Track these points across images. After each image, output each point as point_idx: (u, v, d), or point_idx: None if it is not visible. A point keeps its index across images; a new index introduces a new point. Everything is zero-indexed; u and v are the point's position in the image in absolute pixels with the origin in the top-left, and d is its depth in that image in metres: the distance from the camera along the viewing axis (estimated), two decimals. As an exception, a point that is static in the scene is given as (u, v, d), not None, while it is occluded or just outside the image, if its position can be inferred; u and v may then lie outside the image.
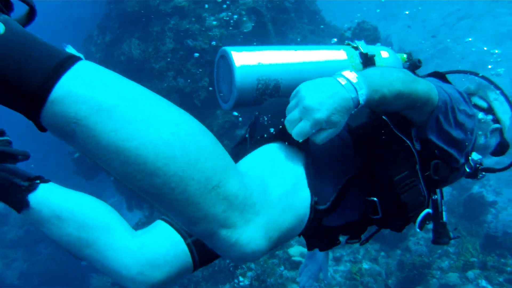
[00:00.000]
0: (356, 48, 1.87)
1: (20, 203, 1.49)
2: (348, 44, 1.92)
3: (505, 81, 14.07)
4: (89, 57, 10.58)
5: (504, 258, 7.12)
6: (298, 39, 10.70)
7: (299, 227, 1.44)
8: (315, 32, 11.40)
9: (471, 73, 2.22)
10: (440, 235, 1.93)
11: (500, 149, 2.13)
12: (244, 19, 9.02)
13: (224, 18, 8.98)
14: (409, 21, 19.15)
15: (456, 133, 1.66)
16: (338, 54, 1.80)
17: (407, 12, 19.52)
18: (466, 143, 1.73)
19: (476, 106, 2.04)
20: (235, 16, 8.92)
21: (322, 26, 12.61)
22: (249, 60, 1.57)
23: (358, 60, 1.82)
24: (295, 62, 1.68)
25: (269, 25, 9.50)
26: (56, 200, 1.54)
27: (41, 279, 12.14)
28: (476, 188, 11.17)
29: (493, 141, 2.08)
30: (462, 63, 15.38)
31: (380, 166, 1.63)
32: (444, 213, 1.91)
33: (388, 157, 1.63)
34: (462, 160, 1.78)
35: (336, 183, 1.56)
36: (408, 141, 1.65)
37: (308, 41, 10.64)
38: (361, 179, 1.64)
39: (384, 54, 1.95)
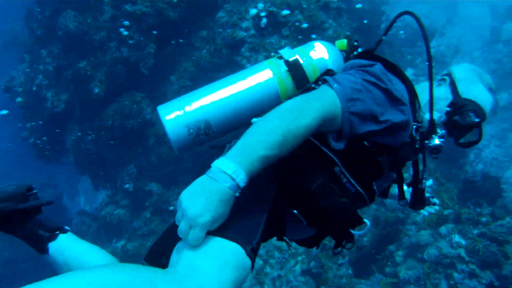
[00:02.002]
0: (281, 58, 1.86)
1: (41, 250, 1.86)
2: (274, 56, 1.92)
3: (484, 10, 13.29)
4: (31, 34, 9.87)
5: (479, 207, 6.73)
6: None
7: (245, 274, 1.44)
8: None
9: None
10: (417, 201, 2.07)
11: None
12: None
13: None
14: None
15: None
16: (263, 75, 1.82)
17: None
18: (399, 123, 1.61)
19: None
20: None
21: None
22: (175, 111, 1.72)
23: (283, 69, 1.82)
24: (219, 99, 1.77)
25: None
26: (69, 250, 1.90)
27: (26, 264, 11.93)
28: (457, 127, 10.68)
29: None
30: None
31: (295, 179, 1.65)
32: (424, 180, 1.97)
33: (303, 168, 1.65)
34: (403, 139, 1.70)
35: (260, 213, 1.58)
36: (323, 147, 1.63)
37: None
38: (284, 195, 1.68)
39: (317, 53, 1.90)
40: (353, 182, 1.66)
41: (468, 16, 13.38)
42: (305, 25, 7.23)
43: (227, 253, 1.39)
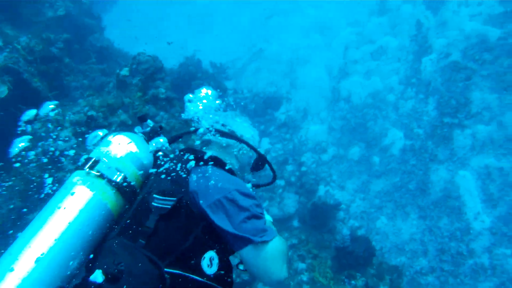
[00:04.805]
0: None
1: None
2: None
3: (321, 71, 14.04)
4: None
5: (354, 279, 6.42)
6: (86, 83, 9.16)
7: None
8: (106, 72, 9.91)
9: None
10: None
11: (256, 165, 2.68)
12: (-4, 83, 7.21)
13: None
14: (223, 28, 18.63)
15: None
16: (82, 196, 1.89)
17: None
18: None
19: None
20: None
21: (118, 60, 11.24)
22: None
23: (110, 191, 1.98)
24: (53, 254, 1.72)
25: (36, 81, 7.80)
26: None
27: None
28: (321, 189, 10.67)
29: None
30: (279, 62, 15.13)
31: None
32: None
33: None
34: None
35: None
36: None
37: (98, 83, 9.14)
38: None
39: (127, 152, 2.11)
40: None
41: (308, 79, 14.00)
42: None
43: None
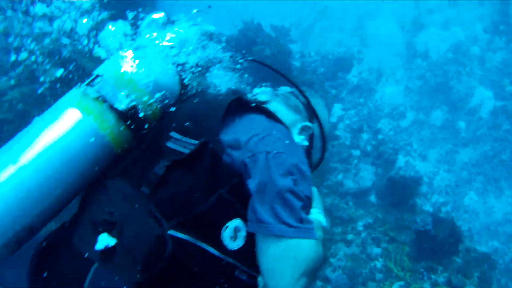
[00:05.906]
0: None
1: None
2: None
3: (393, 25, 12.74)
4: None
5: (434, 273, 5.59)
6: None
7: None
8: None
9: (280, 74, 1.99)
10: None
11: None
12: None
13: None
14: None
15: None
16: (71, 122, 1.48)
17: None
18: None
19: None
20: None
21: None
22: None
23: (112, 120, 1.54)
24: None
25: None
26: None
27: None
28: (401, 159, 9.77)
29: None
30: (346, 19, 13.98)
31: None
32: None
33: None
34: None
35: None
36: None
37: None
38: None
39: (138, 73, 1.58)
40: None
41: (379, 35, 12.81)
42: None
43: None
